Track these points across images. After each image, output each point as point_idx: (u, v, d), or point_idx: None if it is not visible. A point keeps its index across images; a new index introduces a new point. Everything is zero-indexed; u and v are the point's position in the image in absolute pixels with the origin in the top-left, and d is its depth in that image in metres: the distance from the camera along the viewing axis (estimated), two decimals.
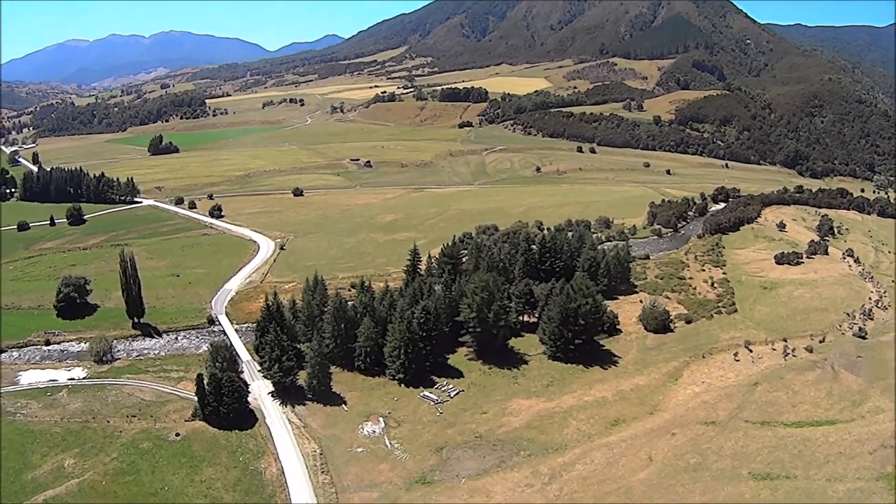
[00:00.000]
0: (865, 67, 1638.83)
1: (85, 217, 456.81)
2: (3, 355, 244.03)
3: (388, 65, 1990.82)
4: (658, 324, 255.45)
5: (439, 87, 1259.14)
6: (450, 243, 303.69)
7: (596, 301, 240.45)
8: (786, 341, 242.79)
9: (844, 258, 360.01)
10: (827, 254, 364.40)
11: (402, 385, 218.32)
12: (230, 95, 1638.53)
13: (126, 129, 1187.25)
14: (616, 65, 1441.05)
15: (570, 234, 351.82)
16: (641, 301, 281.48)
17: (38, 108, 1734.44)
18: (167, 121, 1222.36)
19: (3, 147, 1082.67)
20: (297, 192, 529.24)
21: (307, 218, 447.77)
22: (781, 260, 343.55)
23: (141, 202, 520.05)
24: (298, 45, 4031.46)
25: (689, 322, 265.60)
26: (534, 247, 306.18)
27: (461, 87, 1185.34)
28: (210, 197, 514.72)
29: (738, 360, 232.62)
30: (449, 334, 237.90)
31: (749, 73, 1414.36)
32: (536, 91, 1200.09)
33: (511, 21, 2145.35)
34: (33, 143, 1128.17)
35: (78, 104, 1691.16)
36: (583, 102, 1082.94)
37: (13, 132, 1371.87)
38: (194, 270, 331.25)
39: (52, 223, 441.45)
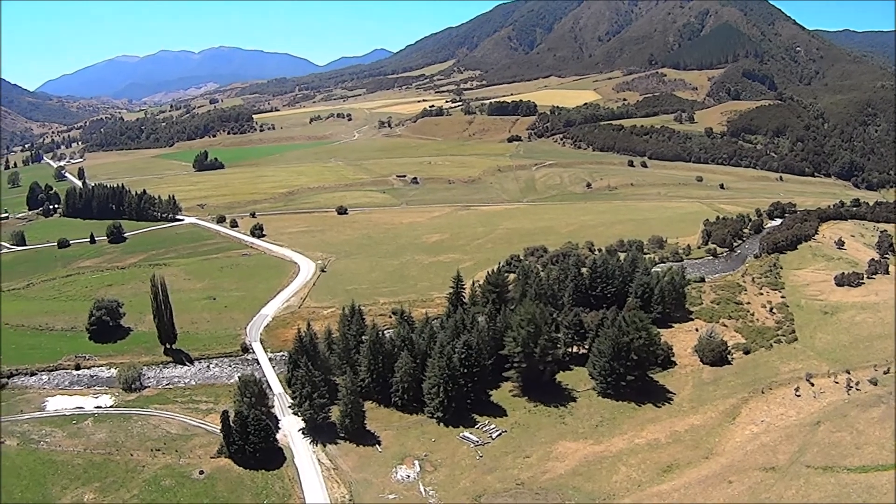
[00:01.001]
0: None
1: (125, 235, 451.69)
2: (33, 378, 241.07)
3: (435, 78, 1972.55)
4: (715, 356, 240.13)
5: (487, 101, 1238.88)
6: (496, 269, 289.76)
7: (650, 334, 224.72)
8: (849, 373, 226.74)
9: None
10: (888, 273, 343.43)
11: (441, 424, 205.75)
12: (278, 110, 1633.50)
13: (173, 144, 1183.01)
14: (665, 75, 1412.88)
15: (622, 255, 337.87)
16: (697, 329, 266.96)
17: (87, 123, 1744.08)
18: (214, 136, 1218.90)
19: (51, 161, 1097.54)
20: (342, 211, 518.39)
21: (350, 238, 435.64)
22: (842, 281, 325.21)
23: (182, 220, 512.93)
24: (347, 60, 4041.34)
25: (747, 352, 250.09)
26: (584, 271, 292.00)
27: (509, 101, 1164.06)
28: (253, 215, 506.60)
29: (799, 396, 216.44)
30: (492, 368, 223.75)
31: (800, 82, 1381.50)
32: (586, 104, 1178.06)
33: (558, 33, 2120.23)
34: (81, 157, 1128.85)
35: (127, 119, 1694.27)
36: (633, 115, 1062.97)
37: (62, 146, 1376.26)
38: (231, 293, 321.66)
39: (93, 240, 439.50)
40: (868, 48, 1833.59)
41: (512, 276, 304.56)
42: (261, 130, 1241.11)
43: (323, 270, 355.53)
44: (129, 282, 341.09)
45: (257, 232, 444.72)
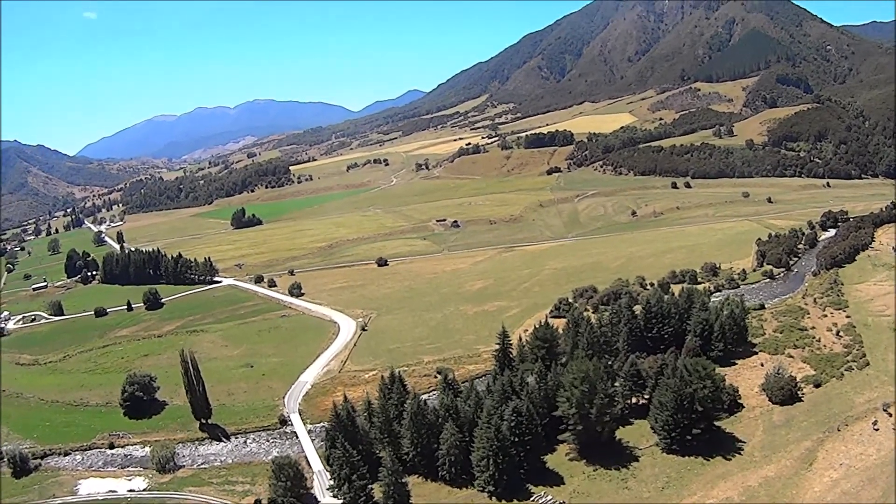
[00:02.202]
0: None
1: (162, 301, 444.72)
2: (67, 459, 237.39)
3: (470, 115, 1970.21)
4: (784, 394, 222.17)
5: (523, 134, 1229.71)
6: (543, 321, 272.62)
7: (714, 382, 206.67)
8: None
9: None
10: None
11: (493, 498, 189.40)
12: (315, 160, 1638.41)
13: (212, 201, 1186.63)
14: (699, 90, 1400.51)
15: (675, 289, 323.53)
16: (762, 364, 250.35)
17: (127, 185, 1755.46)
18: (252, 191, 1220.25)
19: (91, 226, 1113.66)
20: (382, 263, 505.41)
21: (391, 292, 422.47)
22: None
23: (220, 282, 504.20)
24: (381, 104, 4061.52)
25: (818, 385, 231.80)
26: (637, 311, 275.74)
27: (545, 132, 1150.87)
28: (291, 273, 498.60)
29: (877, 430, 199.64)
30: (546, 430, 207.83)
31: (835, 81, 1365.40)
32: (622, 127, 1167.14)
33: (587, 58, 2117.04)
34: (121, 220, 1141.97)
35: (166, 178, 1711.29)
36: (671, 134, 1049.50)
37: (103, 209, 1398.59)
38: (269, 359, 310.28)
39: (129, 308, 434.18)
40: None
41: (561, 322, 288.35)
42: (298, 182, 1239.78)
43: (364, 329, 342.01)
44: (166, 351, 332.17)
45: (296, 291, 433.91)
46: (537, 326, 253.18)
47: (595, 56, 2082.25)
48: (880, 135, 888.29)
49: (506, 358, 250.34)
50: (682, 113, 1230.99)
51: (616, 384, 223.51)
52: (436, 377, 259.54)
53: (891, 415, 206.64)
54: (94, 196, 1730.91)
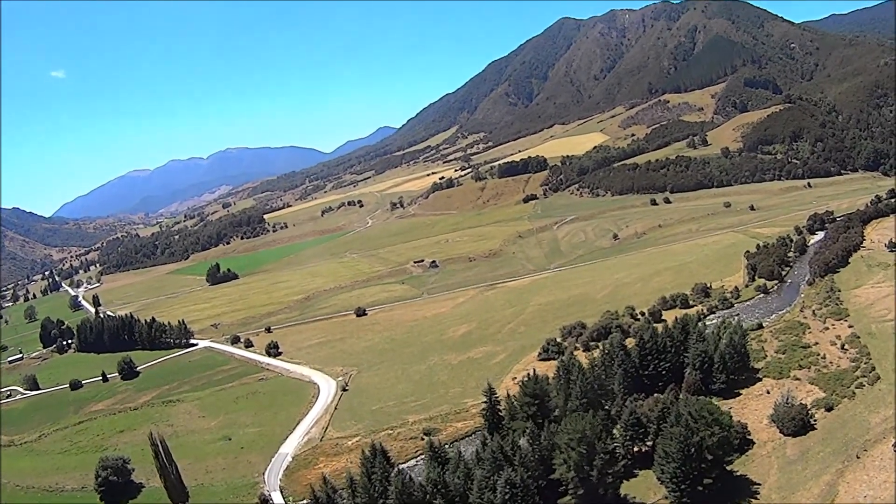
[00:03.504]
0: None
1: (138, 369, 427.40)
2: None
3: (441, 148, 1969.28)
4: (796, 424, 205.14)
5: (496, 163, 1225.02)
6: (531, 374, 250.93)
7: (723, 426, 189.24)
8: None
9: None
10: None
11: None
12: (290, 205, 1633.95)
13: (188, 256, 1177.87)
14: (668, 102, 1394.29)
15: (668, 316, 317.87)
16: (768, 391, 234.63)
17: (104, 244, 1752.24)
18: (228, 243, 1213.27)
19: (69, 289, 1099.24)
20: (360, 313, 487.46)
21: (371, 344, 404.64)
22: None
23: (196, 344, 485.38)
24: (353, 143, 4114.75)
25: (829, 409, 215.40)
26: (631, 349, 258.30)
27: (518, 160, 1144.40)
28: (268, 330, 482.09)
29: None
30: (545, 493, 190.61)
31: (802, 79, 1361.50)
32: (595, 147, 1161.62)
33: (554, 80, 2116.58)
34: (98, 281, 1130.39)
35: (143, 234, 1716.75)
36: (644, 149, 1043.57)
37: (80, 270, 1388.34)
38: (248, 430, 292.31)
39: (105, 379, 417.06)
40: (859, 28, 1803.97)
41: (551, 365, 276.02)
42: (273, 231, 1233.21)
43: (344, 389, 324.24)
44: (142, 425, 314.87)
45: (273, 350, 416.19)
46: (525, 380, 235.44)
47: (561, 77, 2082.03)
48: (855, 128, 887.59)
49: (494, 416, 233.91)
50: (654, 127, 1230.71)
51: (615, 431, 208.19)
52: (422, 439, 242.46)
53: None
54: (71, 257, 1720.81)
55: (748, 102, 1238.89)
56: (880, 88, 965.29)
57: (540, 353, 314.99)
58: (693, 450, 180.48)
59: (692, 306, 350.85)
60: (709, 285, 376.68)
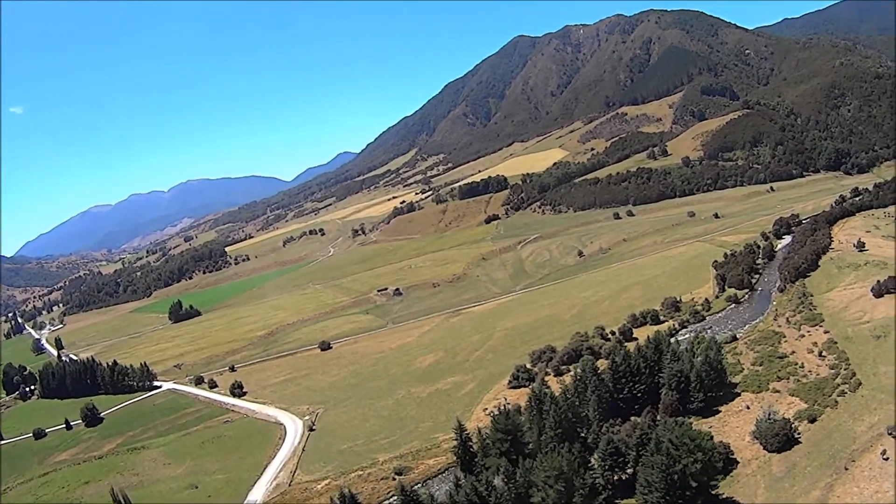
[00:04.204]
0: (864, 41, 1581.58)
1: (102, 415, 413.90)
2: None
3: (401, 172, 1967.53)
4: (780, 440, 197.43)
5: (457, 184, 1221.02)
6: (502, 406, 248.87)
7: (706, 452, 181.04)
8: None
9: None
10: None
11: None
12: (252, 237, 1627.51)
13: (151, 293, 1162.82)
14: (626, 114, 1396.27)
15: (639, 334, 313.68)
16: (748, 406, 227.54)
17: (66, 283, 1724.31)
18: (190, 277, 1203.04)
19: (32, 331, 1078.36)
20: (325, 347, 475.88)
21: (337, 380, 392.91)
22: (880, 291, 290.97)
23: (160, 387, 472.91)
24: (313, 170, 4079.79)
25: (812, 421, 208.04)
26: (602, 366, 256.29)
27: (479, 180, 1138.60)
28: (232, 369, 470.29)
29: (887, 459, 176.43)
30: None
31: (759, 84, 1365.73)
32: (555, 163, 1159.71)
33: (511, 98, 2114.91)
34: (60, 323, 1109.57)
35: (105, 272, 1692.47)
36: (605, 163, 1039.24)
37: (44, 311, 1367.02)
38: (215, 477, 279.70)
39: (69, 427, 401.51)
40: (812, 31, 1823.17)
41: (522, 393, 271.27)
42: (235, 263, 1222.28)
43: (311, 429, 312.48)
44: (108, 475, 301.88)
45: (237, 391, 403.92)
46: (496, 415, 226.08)
47: (518, 95, 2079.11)
48: (814, 129, 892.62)
49: (466, 453, 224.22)
50: (613, 140, 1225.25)
51: (593, 460, 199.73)
52: (394, 479, 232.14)
53: None
54: (34, 298, 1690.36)
55: (706, 110, 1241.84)
56: (837, 89, 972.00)
57: (510, 381, 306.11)
58: (676, 478, 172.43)
59: (663, 322, 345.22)
60: (678, 299, 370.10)
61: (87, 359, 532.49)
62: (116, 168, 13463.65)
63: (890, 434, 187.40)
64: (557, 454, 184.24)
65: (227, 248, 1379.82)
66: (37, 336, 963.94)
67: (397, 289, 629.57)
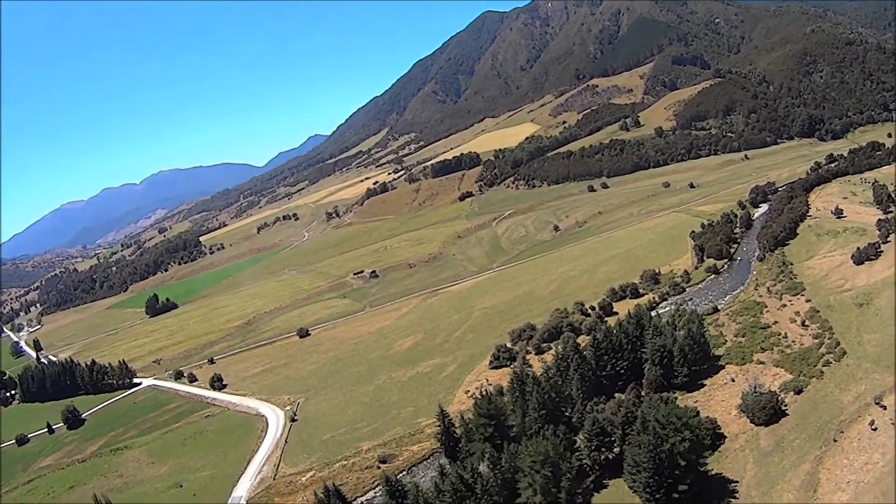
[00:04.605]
0: (835, 7, 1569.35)
1: (83, 416, 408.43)
2: None
3: (373, 152, 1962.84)
4: (767, 413, 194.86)
5: (429, 163, 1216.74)
6: (486, 389, 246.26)
7: (693, 430, 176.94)
8: None
9: None
10: None
11: None
12: (226, 225, 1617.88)
13: (127, 287, 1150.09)
14: (597, 86, 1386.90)
15: (619, 308, 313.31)
16: (733, 379, 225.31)
17: (43, 282, 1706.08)
18: (166, 270, 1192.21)
19: (11, 334, 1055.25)
20: (303, 334, 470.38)
21: (316, 367, 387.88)
22: (860, 258, 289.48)
23: (140, 384, 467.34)
24: (285, 154, 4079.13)
25: (799, 392, 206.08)
26: (583, 342, 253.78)
27: (451, 158, 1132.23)
28: (211, 361, 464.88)
29: (875, 430, 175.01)
30: None
31: (730, 52, 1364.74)
32: (527, 138, 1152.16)
33: (481, 74, 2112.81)
34: (38, 323, 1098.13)
35: (81, 268, 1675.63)
36: (577, 136, 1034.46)
37: (21, 312, 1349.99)
38: (199, 474, 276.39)
39: (51, 430, 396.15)
40: None
41: (504, 373, 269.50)
42: (210, 252, 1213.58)
43: (293, 419, 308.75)
44: (92, 478, 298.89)
45: (217, 384, 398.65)
46: (479, 399, 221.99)
47: (488, 71, 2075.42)
48: (787, 96, 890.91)
49: (450, 439, 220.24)
50: (585, 112, 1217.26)
51: (578, 439, 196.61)
52: (378, 468, 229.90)
53: (885, 407, 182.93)
54: (11, 299, 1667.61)
55: (677, 80, 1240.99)
56: (808, 55, 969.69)
57: (491, 362, 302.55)
58: (664, 457, 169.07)
59: (643, 295, 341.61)
60: (657, 271, 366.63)
61: (66, 360, 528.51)
62: (87, 163, 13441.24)
63: (877, 403, 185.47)
64: (543, 438, 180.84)
65: (201, 238, 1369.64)
66: (15, 339, 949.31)
67: (373, 271, 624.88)
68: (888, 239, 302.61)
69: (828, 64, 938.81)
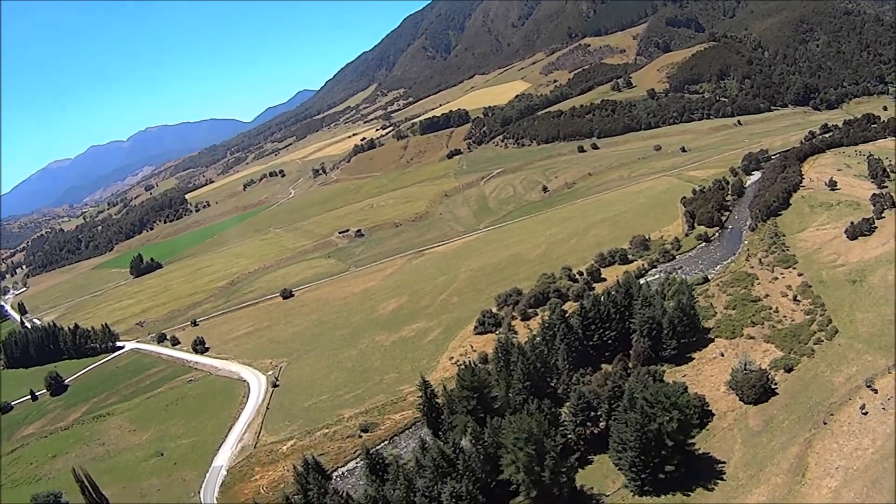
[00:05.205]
0: None
1: (66, 381, 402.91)
2: None
3: (361, 108, 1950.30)
4: (757, 392, 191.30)
5: (418, 119, 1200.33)
6: (469, 361, 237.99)
7: (682, 409, 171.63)
8: None
9: None
10: None
11: None
12: (213, 181, 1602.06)
13: (112, 247, 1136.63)
14: (589, 45, 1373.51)
15: (607, 274, 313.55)
16: (722, 354, 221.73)
17: (29, 243, 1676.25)
18: (151, 228, 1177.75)
19: None
20: (287, 295, 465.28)
21: (299, 330, 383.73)
22: (854, 233, 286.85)
23: (123, 347, 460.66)
24: (273, 110, 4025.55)
25: (789, 370, 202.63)
26: (570, 310, 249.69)
27: (440, 115, 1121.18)
28: (194, 323, 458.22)
29: (866, 414, 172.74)
30: (495, 491, 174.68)
31: (725, 16, 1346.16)
32: (517, 96, 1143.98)
33: (471, 30, 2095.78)
34: (24, 286, 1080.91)
35: (67, 228, 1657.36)
36: (568, 95, 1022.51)
37: (7, 274, 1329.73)
38: (180, 442, 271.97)
39: (34, 397, 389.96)
40: None
41: (489, 339, 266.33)
42: (196, 210, 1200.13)
43: (275, 385, 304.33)
44: (74, 447, 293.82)
45: (199, 347, 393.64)
46: (462, 370, 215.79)
47: (479, 27, 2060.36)
48: (782, 63, 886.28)
49: (432, 410, 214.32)
50: (576, 71, 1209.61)
51: (563, 412, 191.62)
52: (360, 437, 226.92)
53: (876, 391, 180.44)
54: None
55: (671, 42, 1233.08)
56: (805, 23, 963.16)
57: (476, 327, 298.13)
58: (652, 437, 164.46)
59: (632, 261, 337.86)
60: (647, 237, 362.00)
61: (49, 324, 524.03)
62: (73, 120, 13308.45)
63: (868, 387, 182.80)
64: (528, 414, 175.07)
65: (187, 196, 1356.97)
66: (0, 302, 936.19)
67: (359, 230, 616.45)
68: (882, 215, 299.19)
69: (825, 33, 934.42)
